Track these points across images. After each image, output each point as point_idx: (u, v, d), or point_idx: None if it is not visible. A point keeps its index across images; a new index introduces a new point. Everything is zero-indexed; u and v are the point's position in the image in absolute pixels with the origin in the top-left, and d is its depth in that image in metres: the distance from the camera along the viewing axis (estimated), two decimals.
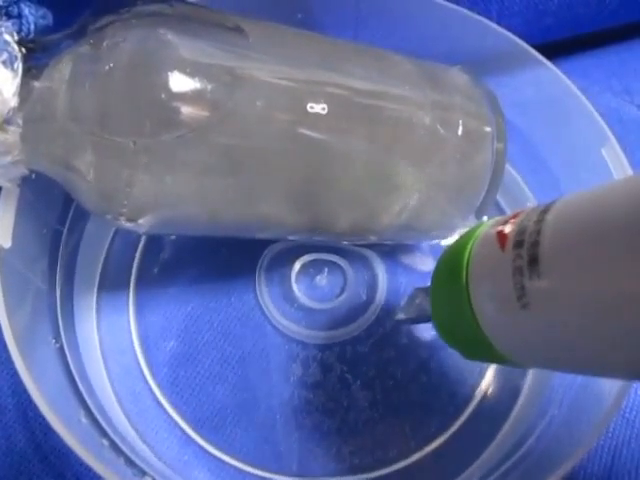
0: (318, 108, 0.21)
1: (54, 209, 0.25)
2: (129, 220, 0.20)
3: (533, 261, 0.16)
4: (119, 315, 0.28)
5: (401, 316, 0.25)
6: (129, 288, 0.28)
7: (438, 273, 0.22)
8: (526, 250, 0.16)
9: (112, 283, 0.28)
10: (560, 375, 0.26)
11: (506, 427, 0.27)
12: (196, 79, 0.19)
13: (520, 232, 0.17)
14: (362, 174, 0.22)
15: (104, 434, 0.22)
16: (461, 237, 0.21)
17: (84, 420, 0.21)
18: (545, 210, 0.16)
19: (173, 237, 0.29)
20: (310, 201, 0.22)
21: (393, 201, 0.23)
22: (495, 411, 0.27)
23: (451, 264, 0.20)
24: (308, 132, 0.21)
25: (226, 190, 0.21)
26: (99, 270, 0.28)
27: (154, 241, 0.29)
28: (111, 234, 0.29)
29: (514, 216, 0.18)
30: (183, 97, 0.19)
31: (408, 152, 0.23)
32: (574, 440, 0.22)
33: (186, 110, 0.19)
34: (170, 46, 0.19)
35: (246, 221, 0.22)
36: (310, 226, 0.24)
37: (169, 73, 0.18)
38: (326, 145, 0.21)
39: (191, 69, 0.19)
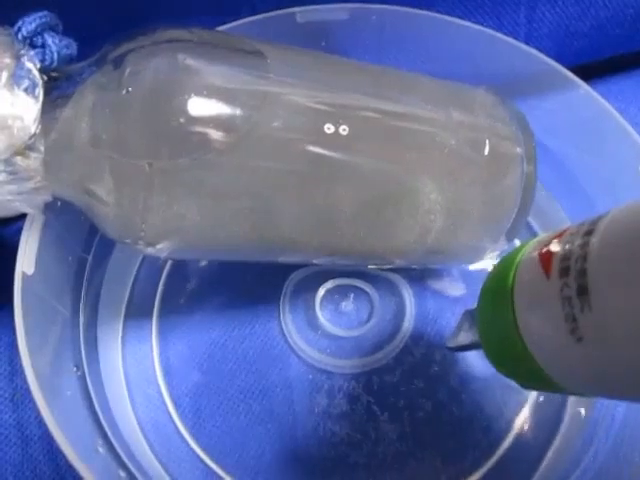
0: (339, 129, 0.21)
1: (80, 237, 0.25)
2: (148, 244, 0.20)
3: (582, 291, 0.14)
4: (143, 344, 0.27)
5: (451, 343, 0.24)
6: (153, 317, 0.28)
7: (482, 300, 0.20)
8: (573, 279, 0.14)
9: (137, 312, 0.28)
10: (604, 403, 0.25)
11: (545, 464, 0.25)
12: (215, 102, 0.19)
13: (565, 257, 0.15)
14: (385, 196, 0.22)
15: (122, 465, 0.21)
16: (504, 259, 0.19)
17: (101, 450, 0.21)
18: (589, 231, 0.15)
19: (197, 265, 0.29)
20: (332, 223, 0.22)
21: (417, 223, 0.23)
22: (533, 447, 0.26)
23: (495, 290, 0.18)
24: (329, 153, 0.21)
25: (244, 213, 0.20)
26: (125, 298, 0.28)
27: (179, 269, 0.29)
28: (138, 263, 0.29)
29: (558, 235, 0.16)
30: (201, 120, 0.19)
31: (432, 173, 0.22)
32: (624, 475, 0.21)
33: (204, 133, 0.19)
34: (189, 71, 0.19)
35: (265, 244, 0.22)
36: (333, 248, 0.23)
37: (187, 97, 0.19)
38: (348, 166, 0.21)
39: (210, 93, 0.19)
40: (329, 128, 0.20)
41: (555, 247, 0.16)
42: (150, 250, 0.21)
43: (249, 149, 0.19)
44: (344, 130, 0.21)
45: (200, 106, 0.19)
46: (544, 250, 0.16)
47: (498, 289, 0.18)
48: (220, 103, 0.19)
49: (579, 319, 0.14)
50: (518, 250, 0.19)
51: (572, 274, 0.15)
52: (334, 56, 0.23)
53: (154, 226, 0.20)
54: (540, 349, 0.17)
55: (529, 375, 0.18)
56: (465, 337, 0.22)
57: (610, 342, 0.14)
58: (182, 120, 0.18)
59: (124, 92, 0.19)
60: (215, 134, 0.19)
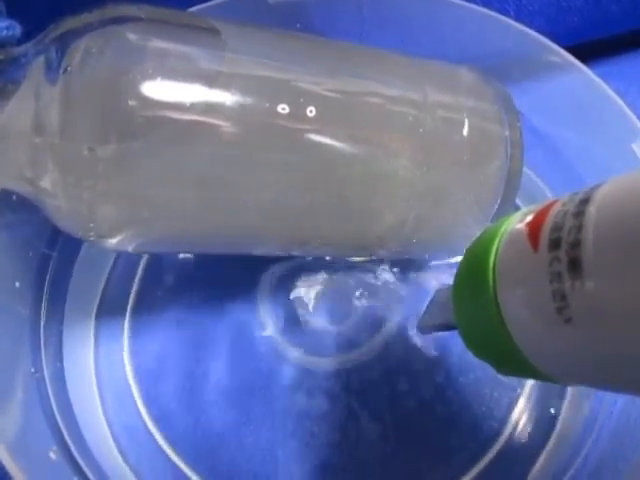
0: (305, 110, 0.19)
1: (42, 233, 0.24)
2: (100, 237, 0.19)
3: (574, 266, 0.13)
4: (114, 344, 0.26)
5: (422, 324, 0.22)
6: (126, 315, 0.27)
7: (460, 277, 0.19)
8: (565, 252, 0.13)
9: (109, 310, 0.27)
10: (604, 396, 0.23)
11: (541, 462, 0.24)
12: (165, 82, 0.18)
13: (555, 228, 0.14)
14: (356, 180, 0.21)
15: (78, 471, 0.20)
16: (485, 232, 0.18)
17: (54, 456, 0.19)
18: (585, 199, 0.14)
19: (173, 261, 0.28)
20: (301, 209, 0.20)
21: (394, 208, 0.21)
22: (528, 449, 0.24)
23: (475, 266, 0.17)
24: (293, 136, 0.19)
25: (201, 201, 0.19)
26: (96, 297, 0.27)
27: (155, 265, 0.28)
28: (111, 260, 0.28)
29: (547, 207, 0.15)
30: (151, 102, 0.17)
31: (407, 155, 0.21)
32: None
33: (154, 115, 0.17)
34: (138, 49, 0.18)
35: (229, 234, 0.21)
36: (304, 237, 0.22)
37: (136, 77, 0.17)
38: (315, 149, 0.20)
39: (160, 72, 0.18)
40: (297, 109, 0.19)
41: (545, 217, 0.15)
42: (108, 244, 0.20)
43: (203, 131, 0.18)
44: (310, 112, 0.19)
45: (150, 86, 0.17)
46: (532, 221, 0.15)
47: (478, 265, 0.17)
48: (171, 83, 0.18)
49: (569, 297, 0.13)
50: (501, 223, 0.17)
51: (563, 246, 0.13)
52: (301, 33, 0.22)
53: (104, 217, 0.18)
54: (521, 331, 0.15)
55: (508, 360, 0.16)
56: (437, 317, 0.21)
57: (604, 323, 0.13)
58: (131, 102, 0.17)
59: (66, 73, 0.17)
60: (166, 116, 0.18)
